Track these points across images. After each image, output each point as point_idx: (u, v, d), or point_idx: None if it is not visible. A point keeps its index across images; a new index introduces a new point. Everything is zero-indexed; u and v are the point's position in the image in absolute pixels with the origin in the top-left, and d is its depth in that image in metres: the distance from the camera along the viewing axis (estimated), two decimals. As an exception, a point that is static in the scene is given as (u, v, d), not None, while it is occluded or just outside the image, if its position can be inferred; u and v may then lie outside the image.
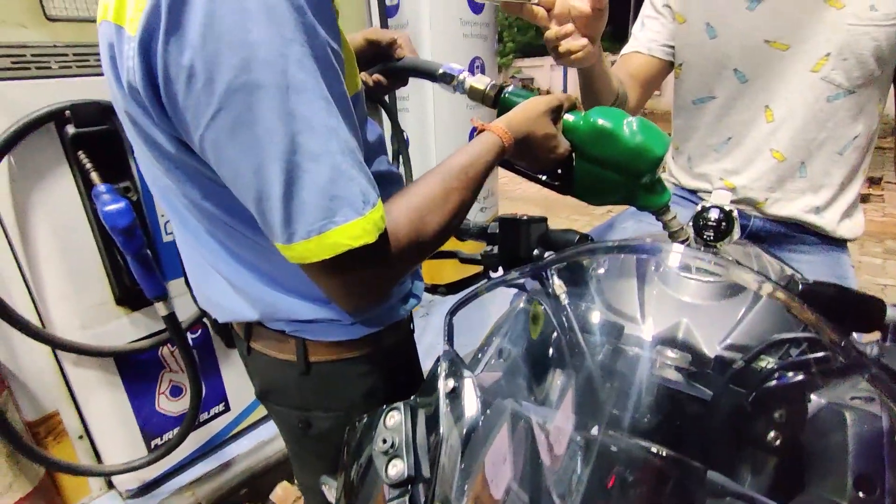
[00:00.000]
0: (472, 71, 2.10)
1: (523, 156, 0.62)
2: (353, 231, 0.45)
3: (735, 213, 0.70)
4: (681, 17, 0.98)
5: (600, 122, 0.61)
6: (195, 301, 0.71)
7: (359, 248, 0.46)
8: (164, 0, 0.39)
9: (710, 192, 0.83)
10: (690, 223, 0.75)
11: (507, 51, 22.83)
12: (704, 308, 0.65)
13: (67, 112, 0.96)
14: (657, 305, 0.66)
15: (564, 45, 0.73)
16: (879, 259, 3.44)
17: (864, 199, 4.70)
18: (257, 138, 0.42)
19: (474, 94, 0.69)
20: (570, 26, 0.73)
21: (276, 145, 0.42)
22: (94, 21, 0.50)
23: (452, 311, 0.55)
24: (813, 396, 0.48)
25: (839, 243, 0.98)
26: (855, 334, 0.53)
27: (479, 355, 0.62)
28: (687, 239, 0.70)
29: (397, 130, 1.74)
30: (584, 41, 0.74)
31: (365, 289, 0.51)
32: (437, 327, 0.64)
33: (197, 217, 0.56)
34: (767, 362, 0.51)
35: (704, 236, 0.74)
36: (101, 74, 0.50)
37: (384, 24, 1.70)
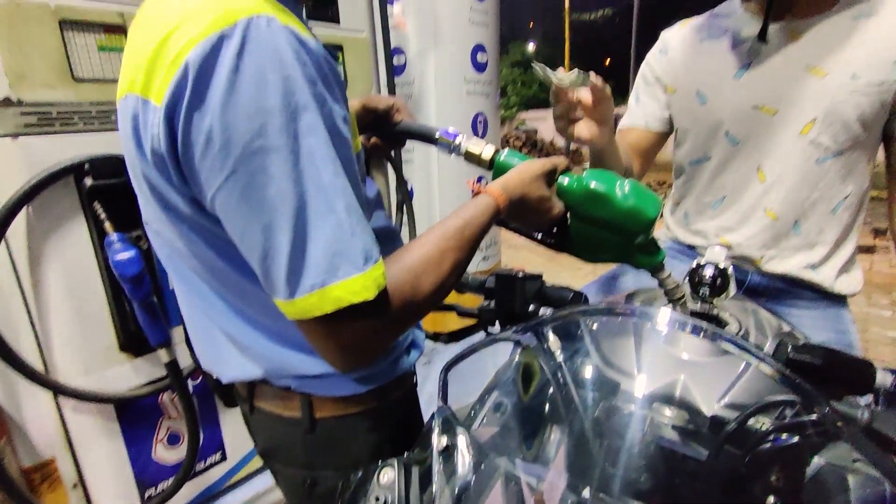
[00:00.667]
0: (474, 126, 2.19)
1: (519, 217, 0.65)
2: (354, 287, 0.47)
3: (730, 270, 0.72)
4: (671, 88, 1.04)
5: (593, 185, 0.64)
6: (197, 363, 0.72)
7: (358, 303, 0.47)
8: (191, 74, 0.43)
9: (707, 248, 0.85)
10: (686, 279, 0.76)
11: (511, 103, 23.59)
12: (703, 365, 0.65)
13: (87, 165, 1.00)
14: (654, 362, 0.66)
15: (576, 133, 0.79)
16: (888, 311, 3.40)
17: (869, 250, 4.69)
18: (268, 198, 0.45)
19: (471, 158, 0.73)
20: (580, 113, 0.79)
21: (285, 205, 0.45)
22: (115, 81, 0.54)
23: (448, 368, 0.56)
24: (815, 458, 0.47)
25: (838, 299, 0.99)
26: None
27: (476, 409, 0.63)
28: (683, 297, 0.71)
29: (401, 182, 1.79)
30: (594, 129, 0.80)
31: (360, 346, 0.52)
32: (467, 375, 0.65)
33: (205, 278, 0.58)
34: (762, 423, 0.51)
35: (700, 293, 0.75)
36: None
37: (391, 83, 1.78)
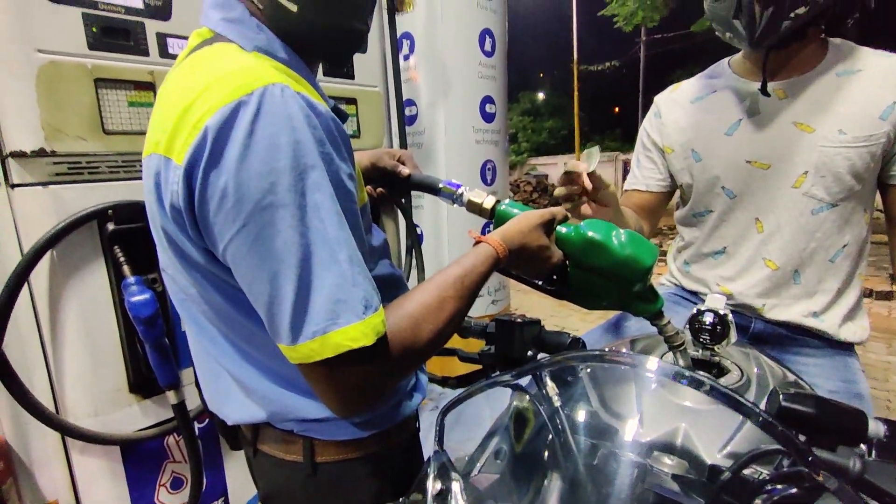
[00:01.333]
0: (483, 173, 2.25)
1: (518, 265, 0.67)
2: (353, 333, 0.49)
3: (730, 317, 0.73)
4: (668, 149, 1.08)
5: (590, 234, 0.66)
6: (205, 405, 0.74)
7: (357, 349, 0.49)
8: (210, 137, 0.47)
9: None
10: (687, 326, 0.77)
11: (521, 149, 24.10)
12: (704, 412, 0.65)
13: (110, 211, 1.06)
14: (654, 409, 0.66)
15: (581, 212, 0.87)
16: (910, 359, 3.30)
17: (888, 295, 4.60)
18: (276, 250, 0.48)
19: (472, 207, 0.76)
20: (583, 200, 0.86)
21: (291, 256, 0.48)
22: (143, 133, 0.59)
23: (445, 411, 0.57)
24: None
25: (845, 347, 0.98)
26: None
27: (476, 455, 0.63)
28: (682, 343, 0.72)
29: (411, 227, 1.83)
30: (598, 208, 0.88)
31: (359, 391, 0.53)
32: (465, 420, 0.65)
33: (215, 322, 0.61)
34: (760, 473, 0.51)
35: (701, 339, 0.75)
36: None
37: (403, 132, 1.86)
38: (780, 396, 0.44)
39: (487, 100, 2.19)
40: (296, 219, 0.48)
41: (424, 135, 2.17)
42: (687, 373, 0.52)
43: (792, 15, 0.83)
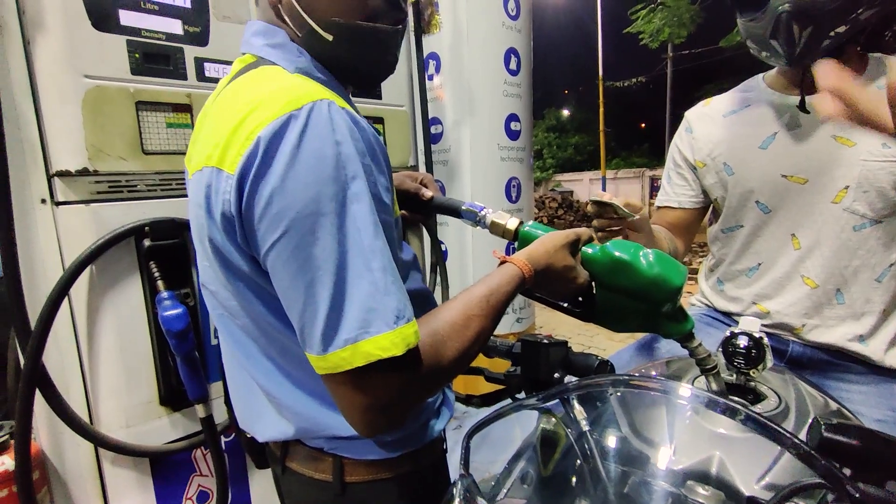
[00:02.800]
0: (508, 190, 2.25)
1: (544, 286, 0.67)
2: (383, 342, 0.49)
3: (766, 340, 0.70)
4: (700, 164, 1.07)
5: (617, 254, 0.65)
6: (235, 422, 0.75)
7: (387, 360, 0.49)
8: (261, 147, 0.49)
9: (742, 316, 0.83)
10: (720, 350, 0.74)
11: (546, 166, 24.07)
12: (741, 441, 0.62)
13: (146, 228, 1.09)
14: (688, 435, 0.64)
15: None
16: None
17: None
18: (314, 258, 0.50)
19: (496, 229, 0.76)
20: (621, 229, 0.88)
21: (328, 264, 0.50)
22: (180, 153, 0.62)
23: (470, 434, 0.56)
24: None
25: (892, 373, 0.93)
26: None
27: (502, 478, 0.62)
28: (715, 367, 0.70)
29: (436, 244, 1.84)
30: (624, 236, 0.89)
31: (384, 406, 0.53)
32: (473, 443, 0.64)
33: (253, 336, 0.62)
34: (802, 507, 0.48)
35: (735, 363, 0.73)
36: (179, 196, 0.61)
37: (428, 150, 1.88)
38: (822, 427, 0.42)
39: (512, 117, 2.19)
40: (335, 227, 0.50)
41: (450, 152, 2.19)
42: (721, 400, 0.50)
43: (832, 34, 0.81)
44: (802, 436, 0.55)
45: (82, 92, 1.02)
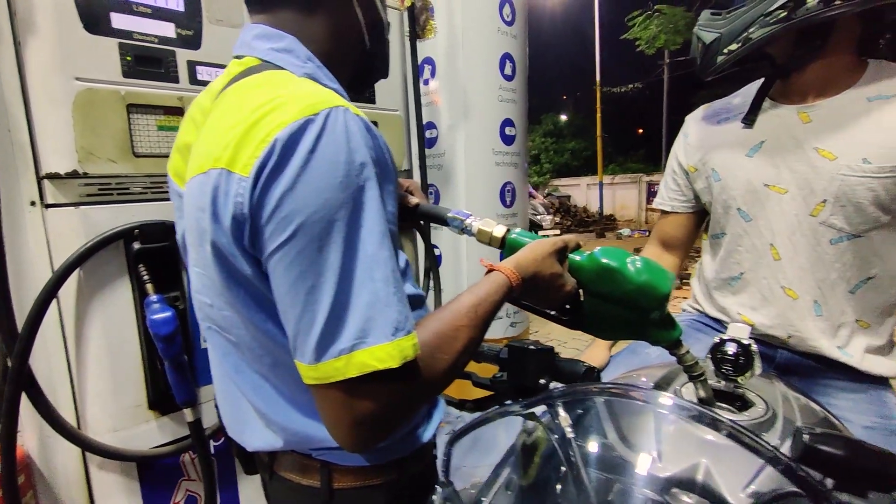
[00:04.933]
0: (503, 195, 2.25)
1: (531, 294, 0.66)
2: (380, 354, 0.49)
3: (754, 348, 0.70)
4: (692, 168, 1.07)
5: (605, 260, 0.65)
6: (224, 431, 0.74)
7: (381, 372, 0.49)
8: (277, 149, 0.49)
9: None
10: (708, 356, 0.74)
11: (544, 170, 24.14)
12: (727, 448, 0.62)
13: (136, 231, 1.09)
14: (674, 442, 0.64)
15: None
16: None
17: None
18: (318, 263, 0.49)
19: (482, 237, 0.75)
20: None
21: (332, 271, 0.49)
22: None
23: (452, 441, 0.56)
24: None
25: (880, 381, 0.93)
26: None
27: (487, 485, 0.61)
28: (702, 374, 0.70)
29: (429, 249, 1.84)
30: None
31: (371, 421, 0.52)
32: (461, 447, 0.64)
33: (244, 349, 0.62)
34: (784, 516, 0.48)
35: (723, 370, 0.73)
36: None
37: (423, 154, 1.88)
38: (805, 436, 0.42)
39: (507, 122, 2.20)
40: (342, 235, 0.49)
41: (445, 157, 2.19)
42: (703, 411, 0.50)
43: (725, 51, 0.88)
44: (789, 443, 0.55)
45: (73, 94, 1.01)
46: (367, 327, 0.49)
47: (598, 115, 15.39)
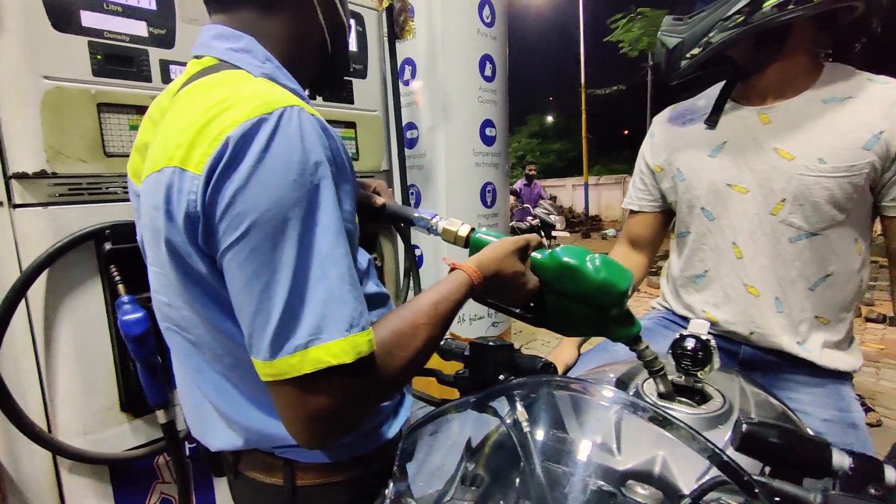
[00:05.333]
0: (483, 195, 2.26)
1: (494, 292, 0.67)
2: (334, 349, 0.50)
3: (713, 343, 0.72)
4: (658, 168, 1.10)
5: (565, 259, 0.67)
6: (189, 431, 0.74)
7: (335, 368, 0.49)
8: (230, 147, 0.49)
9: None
10: (669, 352, 0.76)
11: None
12: (677, 441, 0.64)
13: (107, 231, 1.08)
14: (633, 436, 0.65)
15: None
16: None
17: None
18: (272, 261, 0.49)
19: (447, 236, 0.76)
20: None
21: (286, 268, 0.49)
22: None
23: (407, 435, 0.57)
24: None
25: (839, 375, 0.96)
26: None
27: (450, 481, 0.62)
28: (661, 369, 0.72)
29: (409, 249, 1.84)
30: None
31: (327, 416, 0.52)
32: (430, 444, 0.64)
33: (203, 348, 0.62)
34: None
35: (683, 365, 0.75)
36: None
37: (402, 155, 1.89)
38: (744, 426, 0.44)
39: (487, 123, 2.21)
40: (296, 233, 0.50)
41: (426, 157, 2.20)
42: (639, 403, 0.52)
43: (688, 56, 0.90)
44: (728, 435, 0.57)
45: (41, 93, 1.00)
46: (322, 324, 0.50)
47: (584, 116, 15.52)
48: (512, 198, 7.83)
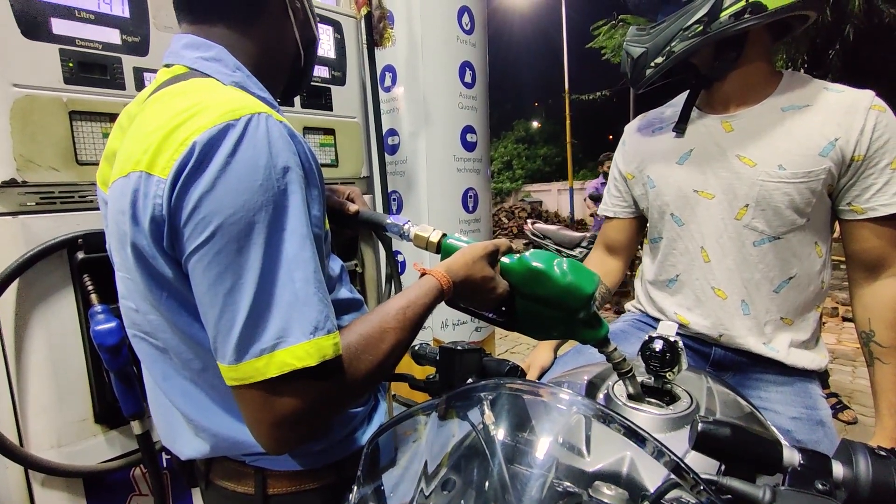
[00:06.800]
0: (465, 201, 2.28)
1: (464, 297, 0.68)
2: (299, 352, 0.50)
3: (680, 345, 0.74)
4: (630, 175, 1.12)
5: (533, 263, 0.68)
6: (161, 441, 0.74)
7: (300, 371, 0.50)
8: (196, 152, 0.50)
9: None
10: (639, 354, 0.77)
11: (516, 176, 24.40)
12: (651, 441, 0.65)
13: (80, 240, 1.07)
14: (601, 437, 0.66)
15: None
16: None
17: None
18: (236, 264, 0.50)
19: (419, 242, 0.77)
20: None
21: (251, 272, 0.50)
22: None
23: (372, 439, 0.57)
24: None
25: (806, 373, 0.99)
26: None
27: (420, 485, 0.62)
28: (630, 370, 0.73)
29: (390, 256, 1.84)
30: None
31: (293, 420, 0.52)
32: (410, 450, 0.64)
33: (170, 354, 0.61)
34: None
35: (651, 366, 0.76)
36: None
37: (382, 161, 1.89)
38: (699, 425, 0.45)
39: (468, 129, 2.23)
40: (261, 237, 0.50)
41: (407, 163, 2.21)
42: (591, 405, 0.53)
43: (652, 64, 0.93)
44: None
45: (10, 101, 0.99)
46: (288, 326, 0.50)
47: (568, 121, 15.67)
48: (590, 203, 6.16)
